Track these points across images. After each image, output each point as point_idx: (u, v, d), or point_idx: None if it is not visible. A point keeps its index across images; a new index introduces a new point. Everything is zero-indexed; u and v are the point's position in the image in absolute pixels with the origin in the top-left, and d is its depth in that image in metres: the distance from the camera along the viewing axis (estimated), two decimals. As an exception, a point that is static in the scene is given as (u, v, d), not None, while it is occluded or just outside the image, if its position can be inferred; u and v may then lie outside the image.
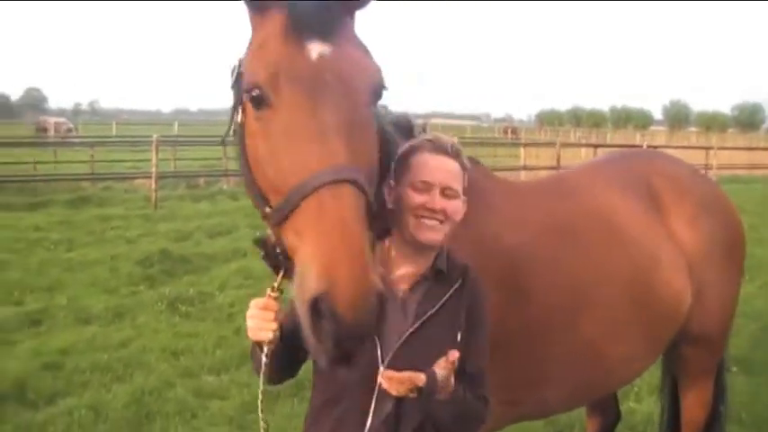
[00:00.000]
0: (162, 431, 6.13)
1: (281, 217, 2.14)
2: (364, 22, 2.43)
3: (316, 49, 2.20)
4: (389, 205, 2.58)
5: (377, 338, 2.39)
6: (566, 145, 31.78)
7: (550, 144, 31.84)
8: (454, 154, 2.59)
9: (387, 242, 2.61)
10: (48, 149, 28.45)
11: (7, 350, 7.93)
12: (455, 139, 2.69)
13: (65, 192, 21.36)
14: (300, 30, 2.21)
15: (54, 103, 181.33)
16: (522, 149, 29.60)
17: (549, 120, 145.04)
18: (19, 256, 12.50)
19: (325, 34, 2.23)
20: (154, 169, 20.07)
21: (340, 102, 2.17)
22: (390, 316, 2.33)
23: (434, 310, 2.51)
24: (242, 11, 2.40)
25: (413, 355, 2.41)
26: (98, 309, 9.47)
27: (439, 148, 2.58)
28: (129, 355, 7.81)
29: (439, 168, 2.55)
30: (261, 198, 2.28)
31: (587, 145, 37.42)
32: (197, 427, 6.22)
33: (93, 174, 23.95)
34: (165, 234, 15.03)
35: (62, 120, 47.60)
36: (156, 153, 20.55)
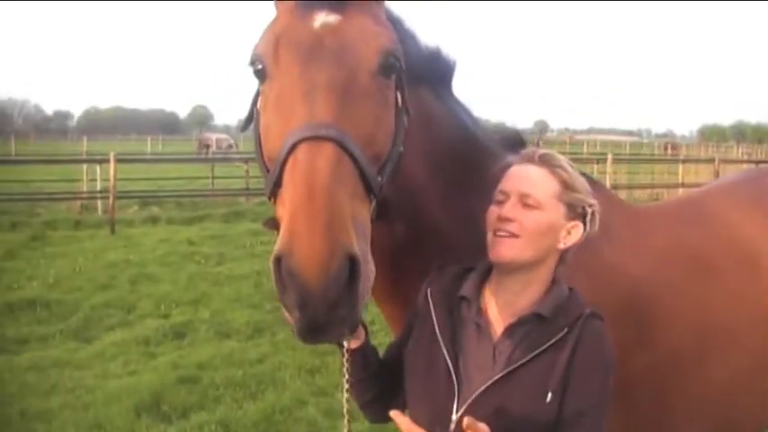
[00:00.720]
0: (289, 452, 6.05)
1: (271, 189, 1.97)
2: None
3: (320, 18, 2.04)
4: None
5: (456, 383, 2.15)
6: (726, 161, 30.34)
7: (710, 161, 30.50)
8: (543, 162, 2.26)
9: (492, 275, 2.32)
10: (206, 165, 29.40)
11: (149, 362, 8.11)
12: (557, 154, 2.33)
13: (221, 206, 22.01)
14: (309, 2, 2.06)
15: (219, 119, 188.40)
16: (680, 166, 28.49)
17: (711, 135, 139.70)
18: (170, 270, 12.86)
19: (334, 6, 2.05)
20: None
21: (336, 66, 1.98)
22: (478, 357, 2.18)
23: (526, 359, 2.12)
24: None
25: (494, 407, 2.08)
26: (239, 323, 9.57)
27: (526, 158, 2.30)
28: (263, 371, 7.81)
29: (518, 175, 2.24)
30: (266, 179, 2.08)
31: (749, 161, 35.62)
32: (324, 449, 6.11)
33: (248, 189, 24.55)
34: (313, 250, 15.11)
35: (224, 136, 49.23)
36: (308, 169, 20.76)
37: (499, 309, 2.24)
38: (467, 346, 2.21)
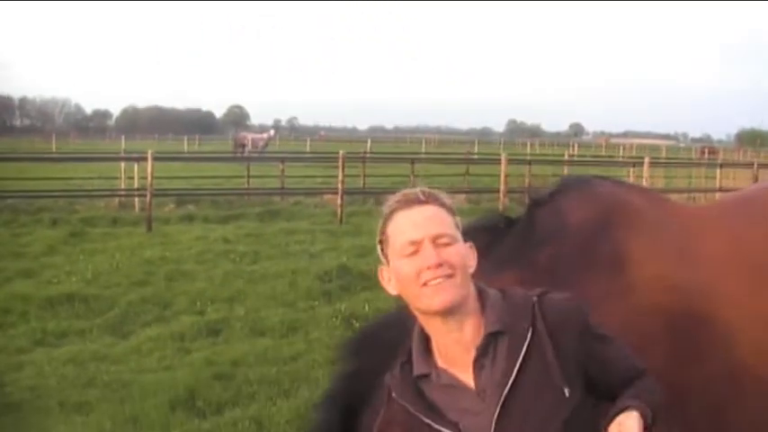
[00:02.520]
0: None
1: None
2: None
3: None
4: (392, 292, 2.17)
5: None
6: (765, 166, 29.99)
7: (748, 165, 30.15)
8: (429, 198, 2.15)
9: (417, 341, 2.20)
10: (242, 164, 29.64)
11: (184, 358, 8.21)
12: (424, 187, 2.23)
13: (256, 205, 22.18)
14: None
15: (255, 119, 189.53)
16: (718, 170, 28.22)
17: (749, 139, 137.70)
18: (206, 267, 12.98)
19: None
20: (340, 185, 20.45)
21: None
22: (472, 411, 2.07)
23: (511, 382, 2.05)
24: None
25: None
26: (274, 321, 9.63)
27: (409, 200, 2.15)
28: (297, 369, 7.86)
29: (418, 220, 2.11)
30: None
31: (789, 166, 35.19)
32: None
33: (282, 188, 24.72)
34: (348, 250, 15.17)
35: (259, 135, 49.50)
36: (343, 169, 20.93)
37: (456, 355, 2.12)
38: (453, 410, 2.10)
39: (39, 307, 10.13)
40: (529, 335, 2.08)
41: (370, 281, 12.17)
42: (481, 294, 2.17)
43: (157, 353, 8.40)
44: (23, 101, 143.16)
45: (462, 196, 25.82)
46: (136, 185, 21.49)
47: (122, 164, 24.11)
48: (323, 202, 23.48)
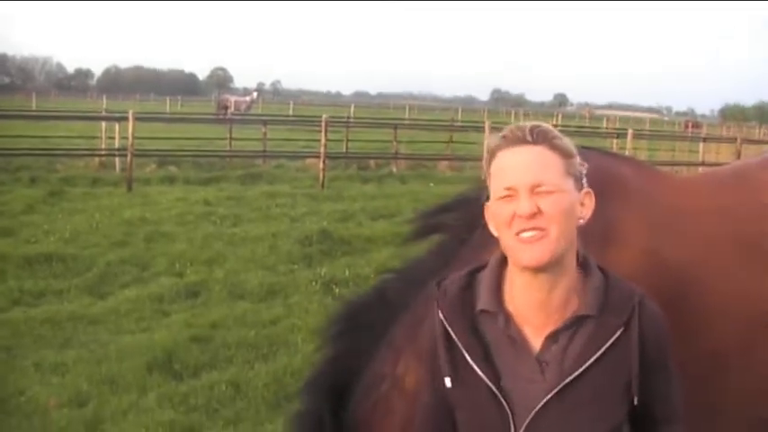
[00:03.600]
0: (299, 414, 6.08)
1: None
2: None
3: None
4: (493, 233, 1.99)
5: (506, 403, 1.92)
6: (748, 141, 30.10)
7: (731, 140, 30.25)
8: (537, 138, 1.93)
9: (508, 278, 2.02)
10: (224, 126, 29.45)
11: (162, 320, 8.18)
12: (542, 123, 2.02)
13: (238, 168, 22.07)
14: None
15: (239, 82, 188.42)
16: (701, 144, 28.31)
17: (732, 115, 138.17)
18: (186, 229, 12.91)
19: None
20: (322, 149, 20.37)
21: None
22: (522, 373, 1.94)
23: (585, 367, 1.90)
24: None
25: (554, 426, 1.91)
26: (253, 285, 9.59)
27: (515, 139, 1.94)
28: (276, 333, 7.83)
29: (518, 163, 1.91)
30: None
31: (773, 142, 35.36)
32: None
33: (265, 151, 24.60)
34: (329, 214, 15.12)
35: (242, 98, 49.17)
36: (326, 133, 20.84)
37: (532, 314, 1.96)
38: (505, 363, 1.96)
39: (16, 266, 10.04)
40: (619, 332, 1.93)
41: (350, 246, 12.19)
42: (584, 263, 2.02)
43: (135, 314, 8.35)
44: (3, 58, 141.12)
45: (445, 163, 25.82)
46: (117, 145, 21.30)
47: (103, 123, 23.82)
48: (305, 166, 23.38)
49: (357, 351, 2.25)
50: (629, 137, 24.80)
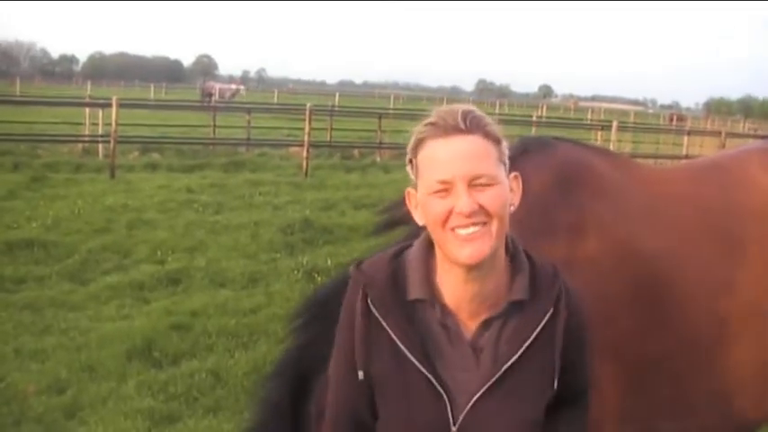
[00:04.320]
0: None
1: None
2: None
3: None
4: (420, 224, 1.93)
5: (444, 393, 1.86)
6: (732, 135, 30.22)
7: (716, 133, 30.37)
8: (471, 126, 1.81)
9: (437, 266, 1.94)
10: (208, 113, 29.33)
11: (142, 307, 8.16)
12: (471, 107, 1.89)
13: (221, 156, 22.00)
14: None
15: (224, 69, 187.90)
16: (685, 138, 28.42)
17: (717, 108, 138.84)
18: (168, 216, 12.88)
19: None
20: (306, 138, 20.34)
21: None
22: (457, 361, 1.89)
23: (519, 354, 1.87)
24: None
25: (493, 413, 1.86)
26: (234, 273, 9.59)
27: (447, 127, 1.82)
28: (257, 321, 7.82)
29: (453, 155, 1.80)
30: None
31: (755, 136, 35.45)
32: (313, 401, 6.15)
33: (248, 139, 24.56)
34: (312, 203, 15.11)
35: (226, 86, 48.97)
36: (309, 122, 20.80)
37: (464, 303, 1.91)
38: (439, 351, 1.89)
39: (-3, 251, 9.99)
40: (548, 315, 1.90)
41: (332, 234, 12.19)
42: (512, 248, 1.95)
43: (116, 301, 8.34)
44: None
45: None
46: (100, 132, 21.22)
47: (87, 109, 23.71)
48: (288, 155, 23.35)
49: (324, 339, 2.24)
50: (614, 129, 24.83)
